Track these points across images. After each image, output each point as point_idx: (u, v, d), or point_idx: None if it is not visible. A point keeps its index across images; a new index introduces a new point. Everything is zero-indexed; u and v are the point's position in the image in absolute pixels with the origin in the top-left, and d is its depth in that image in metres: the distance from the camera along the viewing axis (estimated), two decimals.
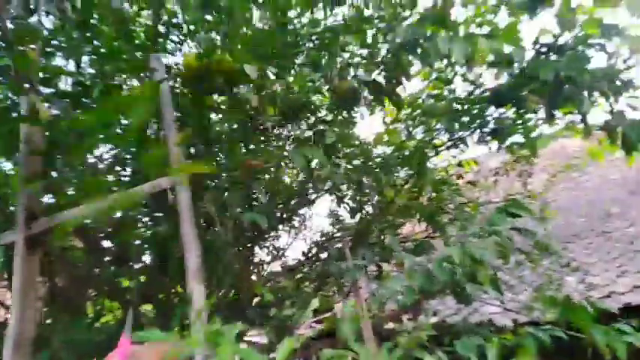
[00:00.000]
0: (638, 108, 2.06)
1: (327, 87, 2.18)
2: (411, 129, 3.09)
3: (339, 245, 2.40)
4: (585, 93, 1.97)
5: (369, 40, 2.06)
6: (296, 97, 2.00)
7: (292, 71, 2.12)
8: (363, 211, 3.48)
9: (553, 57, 2.10)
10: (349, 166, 3.19)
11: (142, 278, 2.32)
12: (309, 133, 2.72)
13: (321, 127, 2.63)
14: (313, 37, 1.99)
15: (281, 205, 2.83)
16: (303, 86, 2.00)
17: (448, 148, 2.74)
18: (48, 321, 2.36)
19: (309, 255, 3.62)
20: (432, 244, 2.14)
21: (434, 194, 2.33)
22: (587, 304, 1.93)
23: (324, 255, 3.50)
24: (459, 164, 3.92)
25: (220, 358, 1.05)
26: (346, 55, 2.14)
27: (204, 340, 1.08)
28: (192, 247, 1.32)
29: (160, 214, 2.17)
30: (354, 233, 2.89)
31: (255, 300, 2.66)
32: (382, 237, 2.54)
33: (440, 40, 1.67)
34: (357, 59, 2.13)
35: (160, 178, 1.42)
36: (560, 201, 8.45)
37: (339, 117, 3.13)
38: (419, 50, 1.99)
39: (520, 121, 2.42)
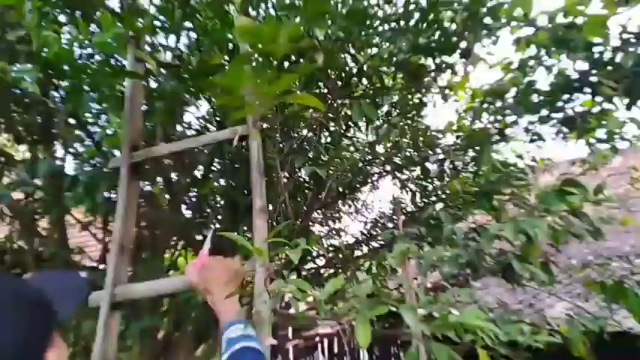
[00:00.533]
0: None
1: (395, 66, 2.24)
2: (481, 116, 3.07)
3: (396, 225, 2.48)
4: None
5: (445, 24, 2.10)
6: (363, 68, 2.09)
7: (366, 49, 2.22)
8: (426, 199, 3.53)
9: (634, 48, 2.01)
10: (414, 152, 3.24)
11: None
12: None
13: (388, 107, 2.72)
14: (391, 17, 2.07)
15: (342, 179, 2.96)
16: (375, 63, 2.09)
17: (517, 136, 2.69)
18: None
19: (368, 234, 3.74)
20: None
21: (494, 178, 2.32)
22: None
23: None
24: (533, 159, 3.80)
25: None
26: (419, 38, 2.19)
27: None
28: (259, 191, 1.49)
29: (232, 163, 2.37)
30: (412, 216, 2.95)
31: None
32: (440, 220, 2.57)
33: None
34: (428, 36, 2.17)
35: (237, 126, 1.60)
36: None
37: (410, 101, 3.19)
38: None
39: (599, 112, 2.33)
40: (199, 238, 2.57)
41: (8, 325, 0.66)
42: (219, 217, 2.59)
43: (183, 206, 2.54)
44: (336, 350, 8.47)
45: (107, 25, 1.80)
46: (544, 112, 2.54)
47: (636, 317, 1.72)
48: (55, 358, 0.73)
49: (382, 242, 3.02)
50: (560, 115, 2.57)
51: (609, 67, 1.97)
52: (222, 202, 2.43)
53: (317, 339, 8.28)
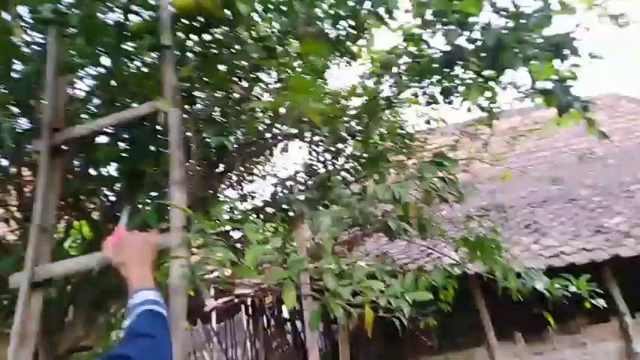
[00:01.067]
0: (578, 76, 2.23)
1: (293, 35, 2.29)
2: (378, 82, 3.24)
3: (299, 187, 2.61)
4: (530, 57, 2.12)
5: None
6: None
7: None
8: (331, 162, 3.69)
9: (510, 23, 2.24)
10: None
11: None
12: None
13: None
14: None
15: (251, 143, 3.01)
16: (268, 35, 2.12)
17: (405, 101, 2.90)
18: None
19: (276, 196, 3.86)
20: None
21: (384, 145, 2.51)
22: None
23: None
24: (427, 122, 4.13)
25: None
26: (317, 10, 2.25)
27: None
28: (177, 164, 1.54)
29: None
30: (318, 180, 3.09)
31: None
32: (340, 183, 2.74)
33: None
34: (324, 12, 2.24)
35: (156, 101, 1.63)
36: (537, 168, 8.81)
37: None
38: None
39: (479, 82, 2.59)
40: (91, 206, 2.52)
41: None
42: (114, 186, 2.53)
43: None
44: (257, 308, 8.76)
45: None
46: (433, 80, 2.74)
47: (488, 267, 2.02)
48: None
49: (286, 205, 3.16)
50: (444, 83, 2.80)
51: (478, 44, 2.18)
52: (116, 170, 2.37)
53: (238, 299, 8.47)
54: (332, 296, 1.59)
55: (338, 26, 2.76)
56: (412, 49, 3.45)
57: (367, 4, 2.53)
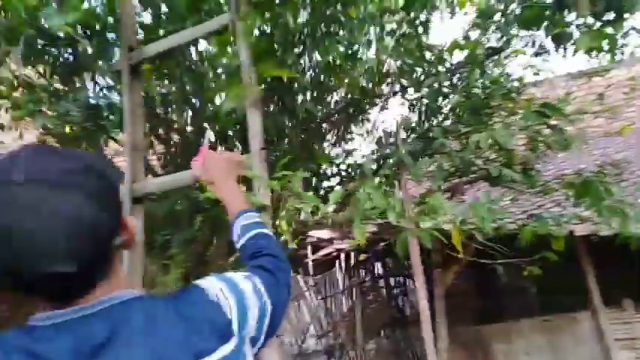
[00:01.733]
0: None
1: None
2: (487, 33, 3.16)
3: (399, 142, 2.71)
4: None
5: None
6: None
7: None
8: (429, 117, 3.73)
9: None
10: (420, 69, 3.38)
11: None
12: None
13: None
14: None
15: (353, 103, 3.16)
16: None
17: (515, 52, 2.83)
18: None
19: (378, 154, 4.02)
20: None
21: (483, 95, 2.50)
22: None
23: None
24: (536, 73, 3.91)
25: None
26: None
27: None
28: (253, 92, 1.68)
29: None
30: (416, 132, 3.17)
31: None
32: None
33: None
34: None
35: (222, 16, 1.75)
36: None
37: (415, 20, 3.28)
38: None
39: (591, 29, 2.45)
40: None
41: (89, 192, 0.64)
42: None
43: None
44: (352, 263, 9.16)
45: None
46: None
47: (596, 210, 1.99)
48: (129, 227, 0.73)
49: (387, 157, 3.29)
50: (555, 31, 2.68)
51: None
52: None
53: (334, 254, 8.92)
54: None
55: None
56: None
57: None
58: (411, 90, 3.61)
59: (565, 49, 3.20)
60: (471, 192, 5.14)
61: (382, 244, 6.81)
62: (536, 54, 3.78)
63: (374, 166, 3.54)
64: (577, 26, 2.86)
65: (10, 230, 0.59)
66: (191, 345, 0.69)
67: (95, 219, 0.64)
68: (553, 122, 1.91)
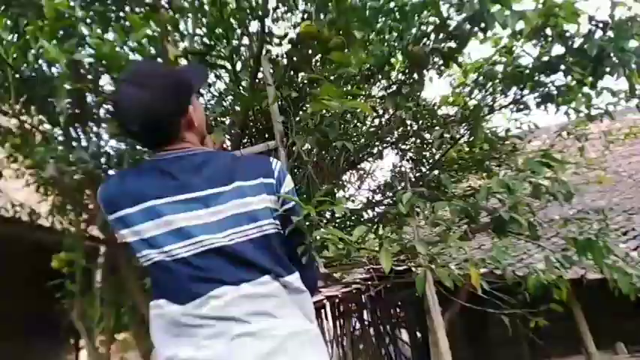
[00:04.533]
0: None
1: (402, 52, 2.61)
2: (474, 91, 3.45)
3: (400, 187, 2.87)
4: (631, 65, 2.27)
5: (444, 14, 2.44)
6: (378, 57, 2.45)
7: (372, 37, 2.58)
8: (425, 167, 3.94)
9: (607, 33, 2.39)
10: (414, 123, 3.62)
11: None
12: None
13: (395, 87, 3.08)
14: (394, 9, 2.42)
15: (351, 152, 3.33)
16: (382, 50, 2.44)
17: (506, 107, 3.09)
18: None
19: (373, 200, 4.17)
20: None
21: (486, 146, 2.71)
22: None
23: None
24: (519, 127, 4.22)
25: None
26: (421, 26, 2.55)
27: None
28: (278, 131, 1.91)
29: None
30: (414, 183, 3.36)
31: None
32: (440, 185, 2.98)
33: (498, 14, 2.05)
34: (430, 29, 2.53)
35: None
36: (631, 173, 8.31)
37: (411, 79, 3.55)
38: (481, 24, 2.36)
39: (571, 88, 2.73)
40: None
41: (157, 90, 1.16)
42: None
43: None
44: (340, 311, 9.08)
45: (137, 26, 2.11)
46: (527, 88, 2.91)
47: (599, 267, 2.14)
48: (191, 117, 1.23)
49: (390, 203, 3.44)
50: (541, 89, 2.96)
51: (578, 53, 2.35)
52: None
53: (324, 301, 8.84)
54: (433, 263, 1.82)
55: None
56: (504, 58, 3.64)
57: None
58: (405, 140, 3.84)
59: (546, 106, 3.51)
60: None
61: (373, 290, 6.81)
62: (518, 110, 4.11)
63: (374, 212, 3.68)
64: (557, 87, 3.18)
65: (116, 106, 1.21)
66: (258, 168, 1.25)
67: (152, 105, 1.15)
68: (549, 173, 2.09)
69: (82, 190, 3.39)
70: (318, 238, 1.56)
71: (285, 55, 2.51)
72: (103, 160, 3.10)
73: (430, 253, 1.68)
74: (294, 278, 1.19)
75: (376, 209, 4.12)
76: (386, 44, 2.52)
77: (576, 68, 2.32)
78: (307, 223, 1.59)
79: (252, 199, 1.17)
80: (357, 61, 2.00)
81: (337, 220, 3.90)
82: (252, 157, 1.52)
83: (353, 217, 3.86)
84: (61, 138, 3.05)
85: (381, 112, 3.58)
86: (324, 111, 2.10)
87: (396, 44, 2.53)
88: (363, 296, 8.62)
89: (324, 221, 3.85)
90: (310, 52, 2.19)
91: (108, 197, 1.19)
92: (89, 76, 2.63)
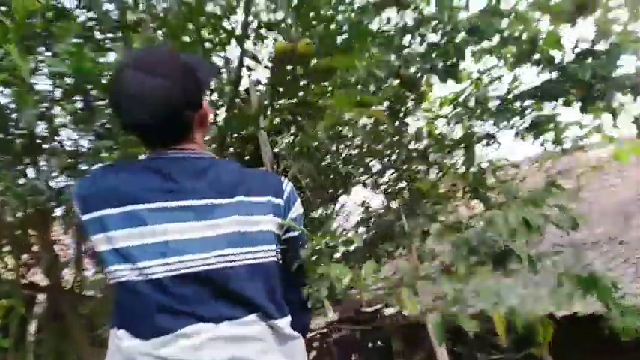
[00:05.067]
0: None
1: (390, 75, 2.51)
2: (451, 123, 3.41)
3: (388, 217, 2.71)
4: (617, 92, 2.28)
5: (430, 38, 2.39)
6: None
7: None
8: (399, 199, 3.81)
9: (589, 60, 2.42)
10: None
11: None
12: None
13: None
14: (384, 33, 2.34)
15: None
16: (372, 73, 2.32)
17: (487, 140, 3.05)
18: None
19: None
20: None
21: (479, 176, 2.63)
22: None
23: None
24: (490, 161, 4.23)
25: None
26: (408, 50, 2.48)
27: None
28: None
29: None
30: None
31: None
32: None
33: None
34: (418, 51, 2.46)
35: None
36: (582, 207, 8.62)
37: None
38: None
39: (553, 117, 2.73)
40: None
41: (173, 78, 0.98)
42: None
43: None
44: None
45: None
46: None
47: (604, 304, 2.02)
48: (206, 113, 1.08)
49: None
50: (519, 119, 2.94)
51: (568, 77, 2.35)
52: None
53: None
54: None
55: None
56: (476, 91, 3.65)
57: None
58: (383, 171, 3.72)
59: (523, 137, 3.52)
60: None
61: (358, 329, 6.51)
62: (487, 144, 4.12)
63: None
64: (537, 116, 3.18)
65: (120, 93, 0.99)
66: (268, 185, 1.09)
67: (170, 94, 0.97)
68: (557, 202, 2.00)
69: (25, 228, 2.98)
70: (326, 274, 1.35)
71: (268, 78, 2.35)
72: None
73: (452, 293, 1.48)
74: (285, 323, 1.02)
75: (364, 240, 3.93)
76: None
77: (572, 92, 2.29)
78: (314, 257, 1.39)
79: (257, 218, 1.02)
80: (363, 65, 1.85)
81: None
82: (261, 173, 1.42)
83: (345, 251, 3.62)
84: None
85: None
86: (319, 134, 1.94)
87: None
88: (324, 342, 8.22)
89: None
90: (301, 71, 2.03)
91: (86, 194, 1.00)
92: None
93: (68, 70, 1.94)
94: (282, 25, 2.52)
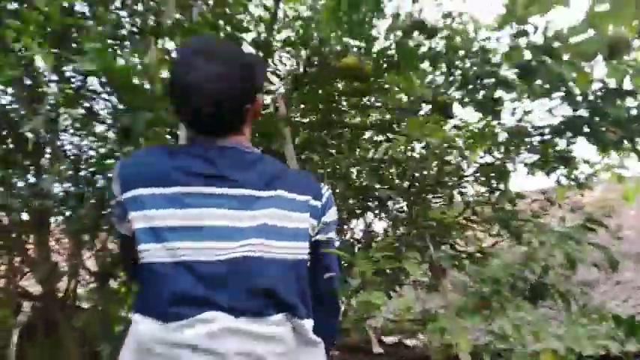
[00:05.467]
0: None
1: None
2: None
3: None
4: None
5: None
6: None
7: None
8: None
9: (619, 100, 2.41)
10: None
11: None
12: None
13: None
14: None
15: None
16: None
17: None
18: None
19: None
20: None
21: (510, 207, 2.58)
22: None
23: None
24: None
25: None
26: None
27: None
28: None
29: None
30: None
31: None
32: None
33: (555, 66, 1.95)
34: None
35: None
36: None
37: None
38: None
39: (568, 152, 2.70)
40: None
41: (237, 68, 1.01)
42: None
43: None
44: None
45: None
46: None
47: None
48: (259, 106, 1.13)
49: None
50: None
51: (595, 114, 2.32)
52: None
53: None
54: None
55: None
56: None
57: None
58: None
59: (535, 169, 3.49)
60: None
61: None
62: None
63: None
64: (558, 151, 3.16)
65: (184, 78, 0.98)
66: (309, 186, 1.09)
67: (235, 84, 0.99)
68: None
69: (20, 233, 2.82)
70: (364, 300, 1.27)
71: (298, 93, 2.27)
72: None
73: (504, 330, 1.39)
74: (310, 325, 0.99)
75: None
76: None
77: (611, 129, 2.25)
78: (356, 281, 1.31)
79: (296, 215, 1.02)
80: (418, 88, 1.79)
81: None
82: (304, 174, 1.41)
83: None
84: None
85: None
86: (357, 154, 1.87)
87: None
88: None
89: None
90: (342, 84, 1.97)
91: (128, 172, 0.99)
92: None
93: (96, 68, 1.84)
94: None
